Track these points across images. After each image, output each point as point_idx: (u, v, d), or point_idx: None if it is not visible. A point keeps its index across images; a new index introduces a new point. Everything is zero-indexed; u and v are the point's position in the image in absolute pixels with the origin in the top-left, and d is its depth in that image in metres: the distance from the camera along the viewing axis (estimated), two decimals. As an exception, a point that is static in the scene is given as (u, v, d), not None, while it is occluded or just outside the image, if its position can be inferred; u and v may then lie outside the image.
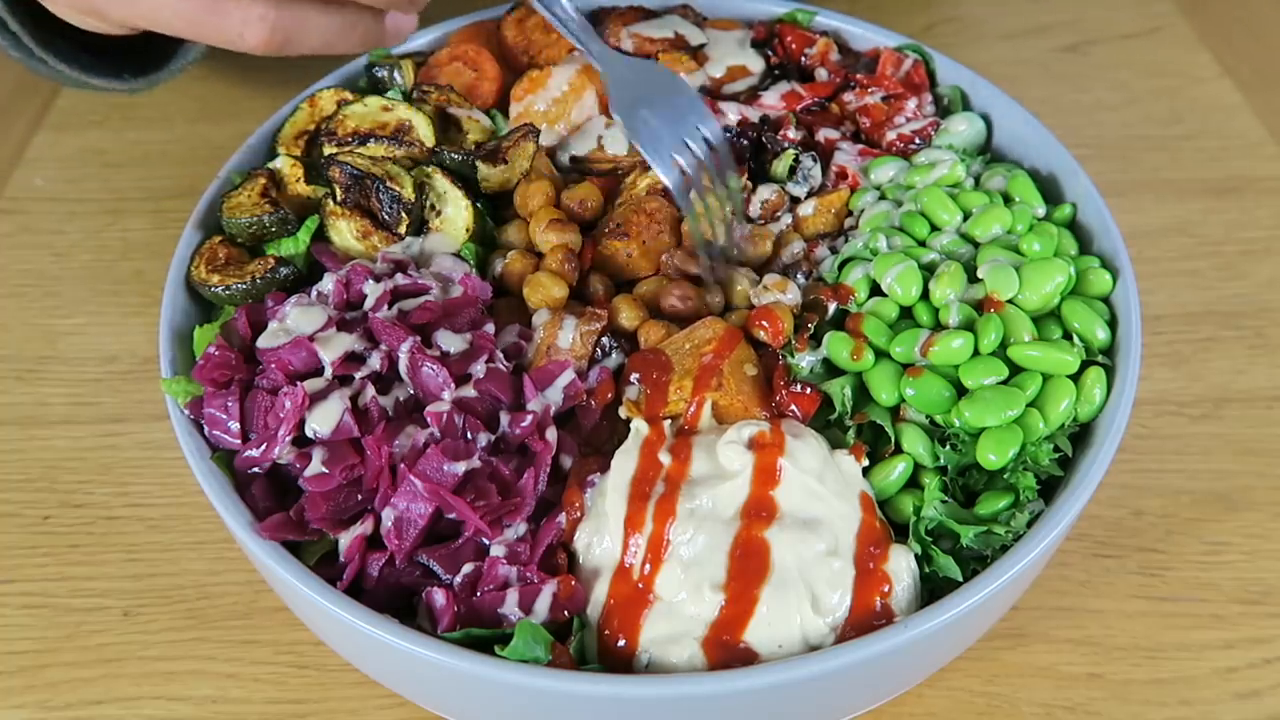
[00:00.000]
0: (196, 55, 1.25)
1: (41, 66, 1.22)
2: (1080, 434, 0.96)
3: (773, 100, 1.21)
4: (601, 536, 0.89)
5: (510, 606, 0.86)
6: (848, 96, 1.21)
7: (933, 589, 0.89)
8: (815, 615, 0.85)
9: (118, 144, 1.59)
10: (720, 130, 1.10)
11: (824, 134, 1.19)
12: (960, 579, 0.87)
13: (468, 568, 0.88)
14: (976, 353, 0.95)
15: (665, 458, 0.91)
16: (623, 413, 0.95)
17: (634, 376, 0.96)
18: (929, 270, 1.01)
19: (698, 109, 1.10)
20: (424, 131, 1.13)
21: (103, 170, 1.55)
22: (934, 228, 1.07)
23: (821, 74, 1.25)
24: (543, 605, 0.86)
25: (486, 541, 0.89)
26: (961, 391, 0.94)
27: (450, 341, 0.96)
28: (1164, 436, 1.21)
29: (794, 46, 1.27)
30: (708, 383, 0.93)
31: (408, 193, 1.05)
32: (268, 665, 1.04)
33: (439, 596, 0.86)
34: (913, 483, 0.94)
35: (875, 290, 1.02)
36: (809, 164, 1.13)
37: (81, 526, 1.15)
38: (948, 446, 0.93)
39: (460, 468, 0.89)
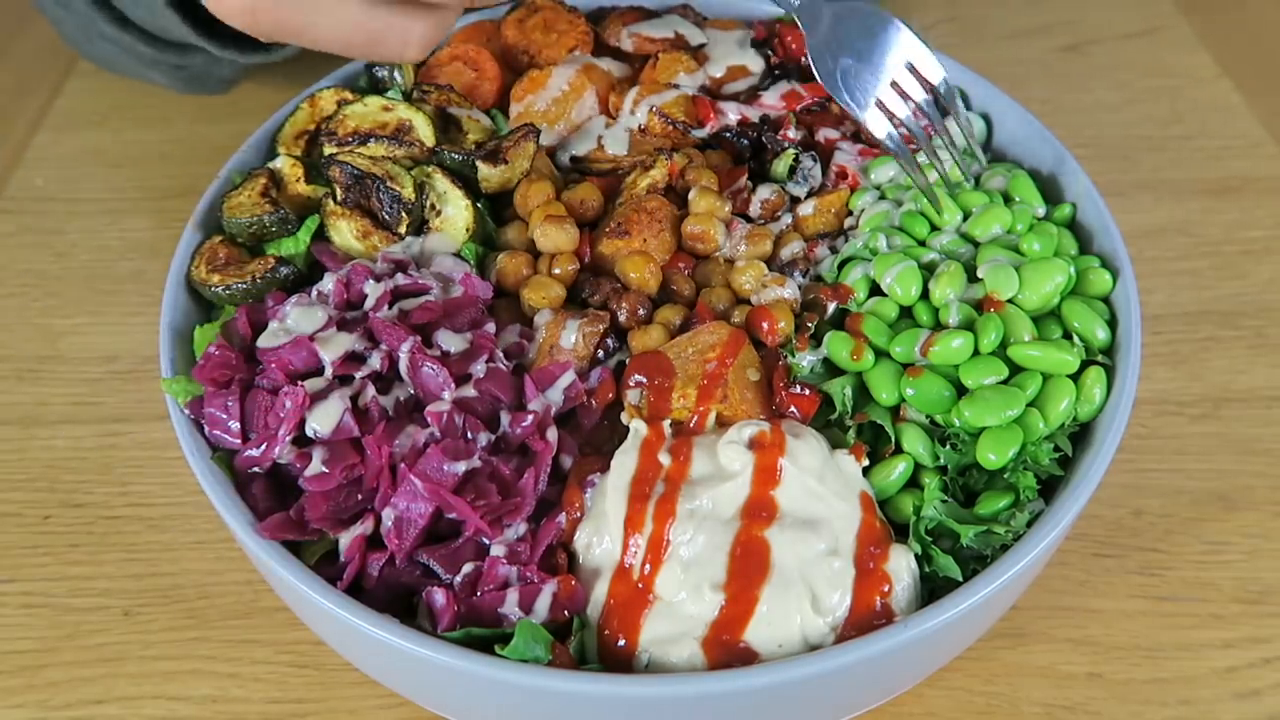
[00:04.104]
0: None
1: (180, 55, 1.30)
2: (1080, 434, 0.96)
3: (773, 100, 1.21)
4: (601, 536, 0.89)
5: (510, 606, 0.86)
6: (848, 96, 1.21)
7: (933, 589, 0.89)
8: (815, 615, 0.85)
9: (118, 144, 1.59)
10: (935, 67, 1.06)
11: (824, 134, 1.19)
12: (960, 579, 0.87)
13: (468, 567, 0.88)
14: (976, 352, 0.95)
15: (665, 458, 0.91)
16: (624, 418, 0.95)
17: (635, 379, 0.96)
18: (929, 270, 1.01)
19: (904, 44, 1.06)
20: (424, 131, 1.13)
21: (103, 170, 1.55)
22: (934, 228, 1.07)
23: (821, 74, 1.25)
24: (543, 605, 0.86)
25: (486, 541, 0.89)
26: (961, 391, 0.94)
27: (450, 341, 0.96)
28: (1164, 436, 1.21)
29: (794, 46, 1.27)
30: (712, 394, 0.93)
31: (408, 193, 1.06)
32: (268, 665, 1.04)
33: (439, 596, 0.86)
34: (913, 483, 0.94)
35: (875, 290, 1.02)
36: (809, 164, 1.13)
37: (82, 526, 1.15)
38: (948, 446, 0.93)
39: (460, 467, 0.89)
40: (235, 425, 0.93)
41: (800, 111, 1.21)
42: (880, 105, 1.06)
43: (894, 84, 1.08)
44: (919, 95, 1.08)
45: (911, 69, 1.08)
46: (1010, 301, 0.98)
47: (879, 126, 1.05)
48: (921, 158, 1.09)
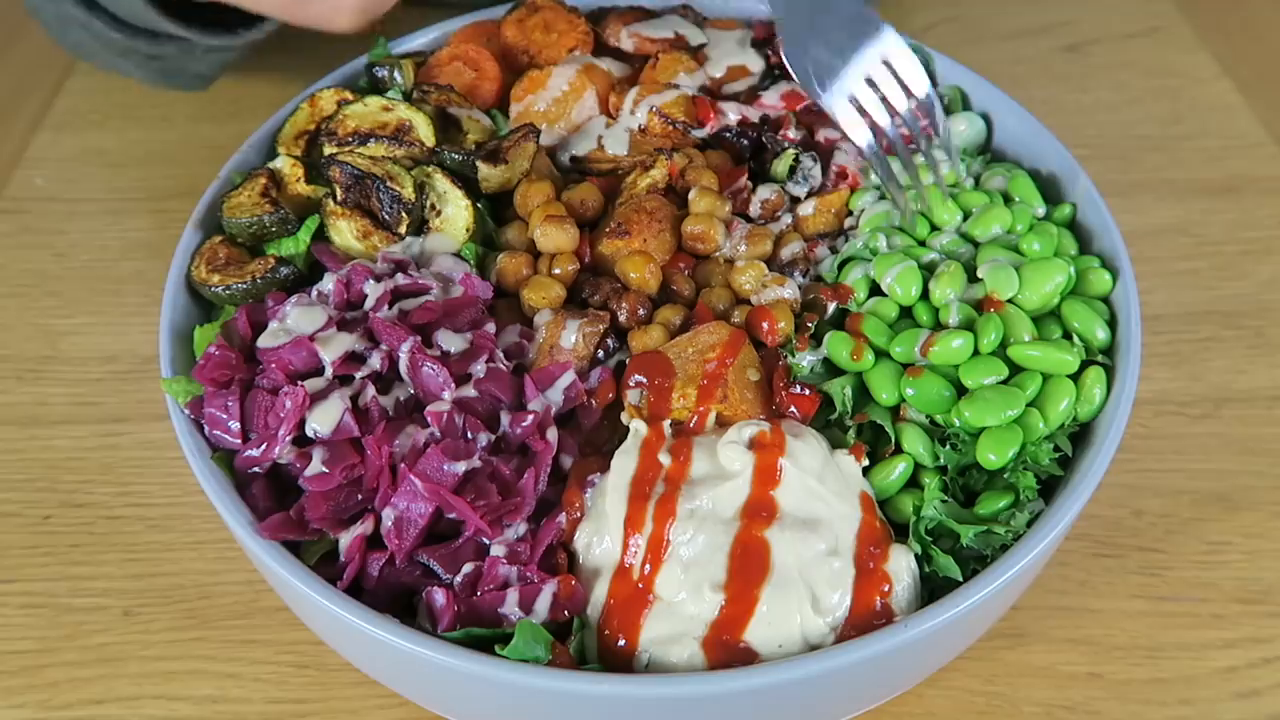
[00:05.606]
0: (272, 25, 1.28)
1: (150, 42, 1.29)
2: (1080, 434, 0.96)
3: (773, 100, 1.21)
4: (601, 536, 0.89)
5: (510, 606, 0.86)
6: (848, 96, 1.21)
7: (933, 589, 0.89)
8: (815, 615, 0.85)
9: (118, 144, 1.59)
10: (919, 74, 1.02)
11: (824, 134, 1.19)
12: (960, 579, 0.87)
13: (468, 567, 0.88)
14: (976, 352, 0.95)
15: (665, 458, 0.91)
16: (624, 418, 0.95)
17: (635, 379, 0.96)
18: (929, 270, 1.01)
19: (876, 31, 1.01)
20: (424, 131, 1.13)
21: (103, 170, 1.55)
22: (934, 228, 1.07)
23: (822, 74, 1.25)
24: (543, 605, 0.86)
25: (486, 541, 0.89)
26: (961, 391, 0.94)
27: (451, 341, 0.96)
28: (1164, 436, 1.21)
29: (794, 46, 1.27)
30: (712, 394, 0.93)
31: (408, 193, 1.06)
32: (268, 665, 1.04)
33: (439, 596, 0.86)
34: (913, 483, 0.94)
35: (875, 290, 1.02)
36: (809, 164, 1.13)
37: (82, 526, 1.15)
38: (948, 446, 0.93)
39: (460, 467, 0.89)
40: (235, 425, 0.93)
41: (800, 111, 1.21)
42: (854, 102, 1.04)
43: (870, 82, 1.05)
44: (898, 98, 1.06)
45: (892, 71, 1.06)
46: (1010, 301, 0.98)
47: (848, 120, 1.03)
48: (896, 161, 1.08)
